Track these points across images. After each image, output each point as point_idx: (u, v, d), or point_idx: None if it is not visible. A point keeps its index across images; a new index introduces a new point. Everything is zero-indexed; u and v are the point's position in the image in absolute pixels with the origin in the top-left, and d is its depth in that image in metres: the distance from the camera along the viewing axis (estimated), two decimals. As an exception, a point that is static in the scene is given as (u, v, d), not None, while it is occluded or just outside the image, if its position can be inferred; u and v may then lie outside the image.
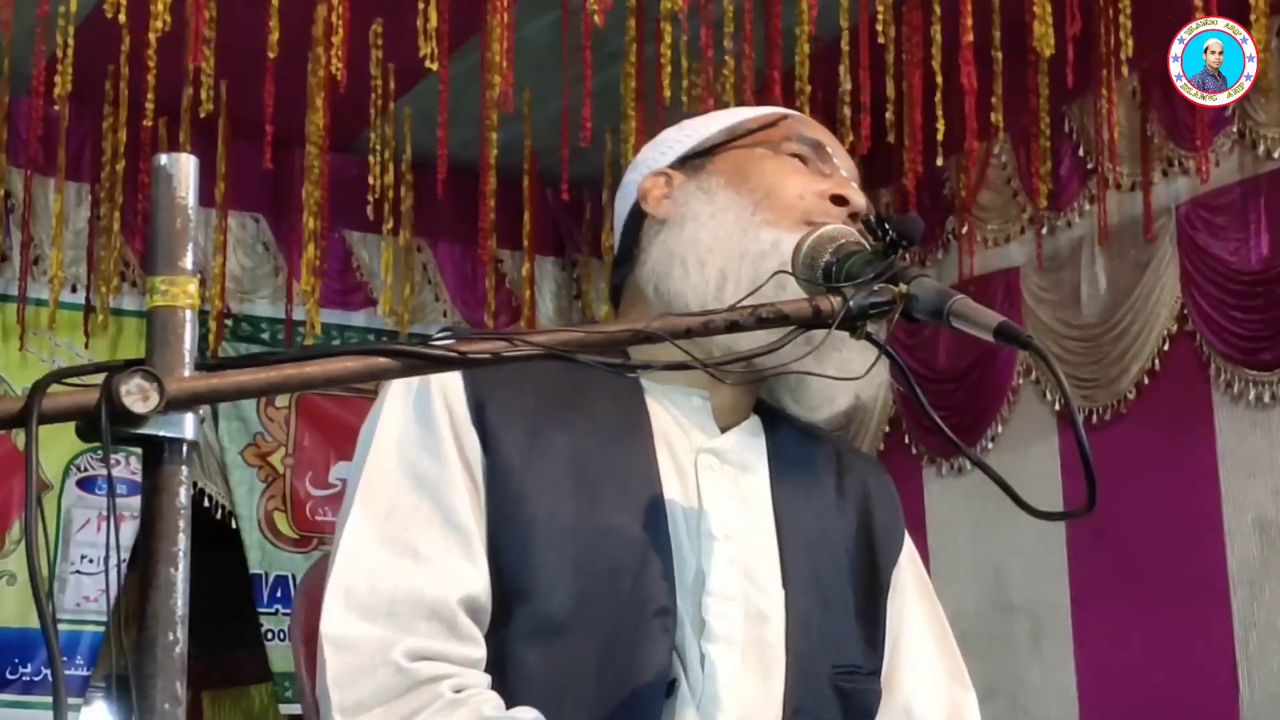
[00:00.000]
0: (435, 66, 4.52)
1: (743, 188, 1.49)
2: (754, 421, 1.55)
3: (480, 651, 1.38)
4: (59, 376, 0.93)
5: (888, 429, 6.16)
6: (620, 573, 1.39)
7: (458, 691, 1.34)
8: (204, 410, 0.96)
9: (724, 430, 1.52)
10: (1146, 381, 5.27)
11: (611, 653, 1.37)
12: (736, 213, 1.47)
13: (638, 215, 1.55)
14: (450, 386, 1.44)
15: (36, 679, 5.77)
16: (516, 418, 1.43)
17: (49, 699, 4.97)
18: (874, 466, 1.66)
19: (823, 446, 1.59)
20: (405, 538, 1.39)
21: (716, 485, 1.48)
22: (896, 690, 1.55)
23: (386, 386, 1.48)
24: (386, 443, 1.44)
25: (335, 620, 1.37)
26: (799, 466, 1.54)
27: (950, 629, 1.63)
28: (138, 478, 0.95)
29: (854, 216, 1.48)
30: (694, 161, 1.55)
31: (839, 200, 1.48)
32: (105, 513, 6.12)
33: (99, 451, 5.26)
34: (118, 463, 5.25)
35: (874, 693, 1.52)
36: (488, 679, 1.37)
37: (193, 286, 0.96)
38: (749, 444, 1.52)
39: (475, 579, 1.38)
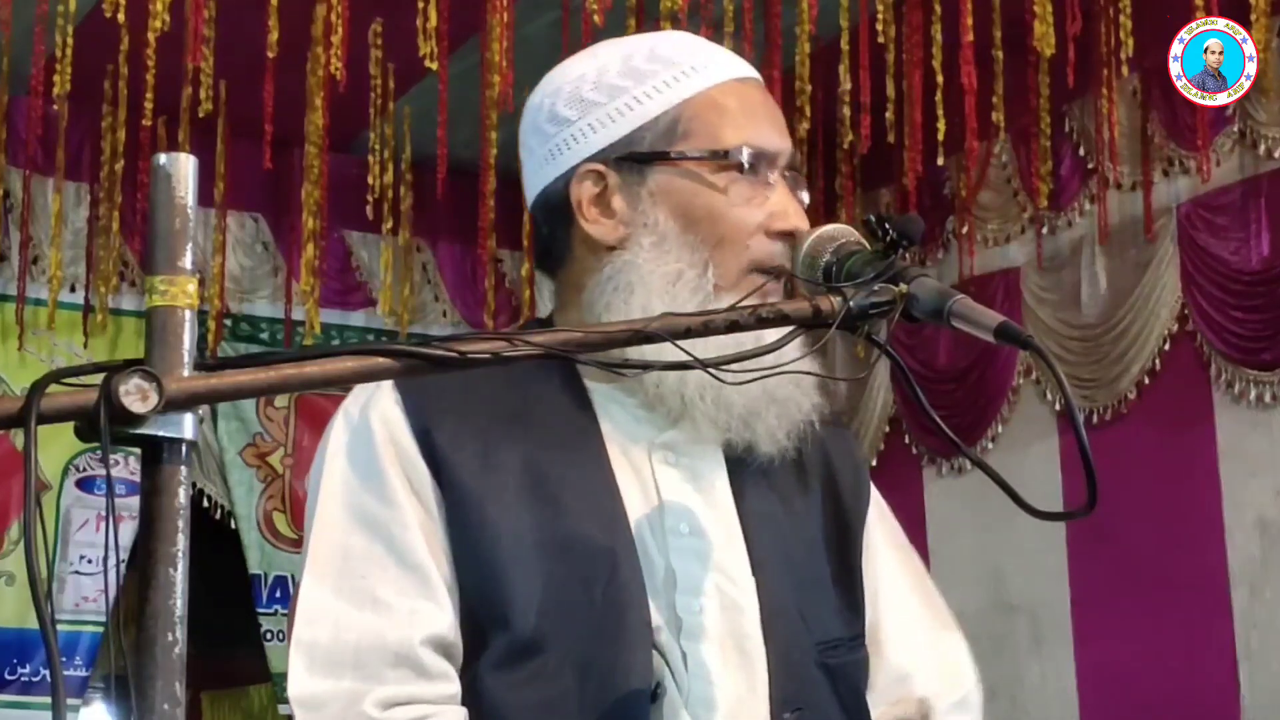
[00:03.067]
0: (435, 66, 4.52)
1: (693, 235, 1.42)
2: None
3: (454, 687, 1.37)
4: (58, 376, 0.93)
5: (888, 429, 6.16)
6: (591, 584, 1.38)
7: None
8: (203, 410, 0.96)
9: (676, 422, 1.48)
10: (1147, 381, 5.27)
11: (591, 666, 1.36)
12: (690, 277, 1.42)
13: (567, 213, 1.47)
14: (392, 419, 1.41)
15: (35, 679, 5.77)
16: (465, 441, 1.40)
17: (48, 699, 4.97)
18: (832, 427, 1.60)
19: None
20: (362, 585, 1.37)
21: (674, 480, 1.45)
22: (883, 649, 1.54)
23: (326, 434, 1.45)
24: (331, 491, 1.41)
25: (300, 682, 1.36)
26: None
27: (926, 573, 1.61)
28: (137, 478, 0.95)
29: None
30: (629, 163, 1.45)
31: (783, 235, 1.43)
32: (104, 513, 6.12)
33: (98, 451, 5.25)
34: (117, 463, 5.21)
35: (860, 662, 1.51)
36: (464, 712, 1.36)
37: (192, 286, 0.96)
38: (701, 431, 1.49)
39: (438, 617, 1.36)
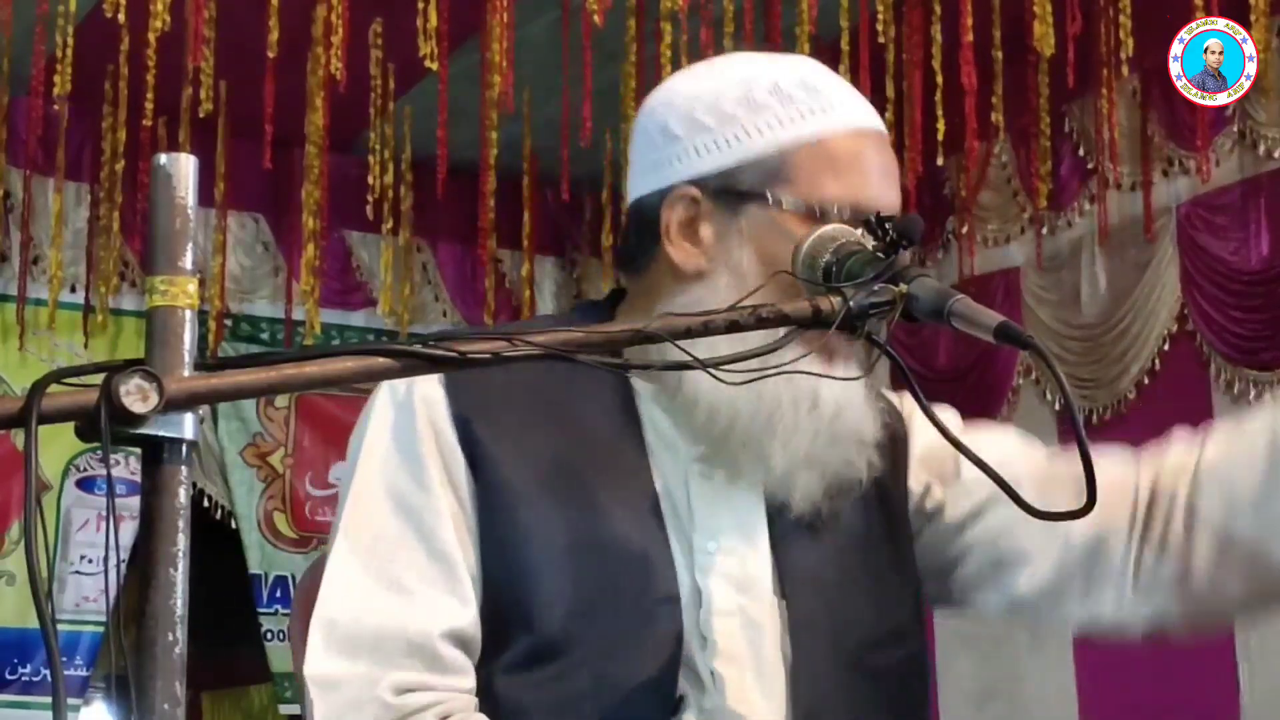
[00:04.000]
0: (435, 66, 4.52)
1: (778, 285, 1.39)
2: None
3: (469, 681, 1.36)
4: (58, 376, 0.93)
5: (888, 429, 6.15)
6: (621, 590, 1.37)
7: (446, 718, 1.33)
8: (203, 410, 0.96)
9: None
10: (1146, 381, 5.27)
11: (612, 675, 1.35)
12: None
13: (655, 228, 1.45)
14: (434, 404, 1.40)
15: (36, 679, 5.77)
16: (504, 433, 1.40)
17: (48, 699, 4.96)
18: None
19: None
20: (389, 570, 1.37)
21: (708, 494, 1.44)
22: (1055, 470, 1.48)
23: (370, 405, 1.45)
24: (370, 468, 1.42)
25: (318, 660, 1.36)
26: None
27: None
28: (137, 478, 0.95)
29: None
30: (727, 198, 1.42)
31: None
32: (105, 513, 6.12)
33: (98, 451, 5.25)
34: (117, 463, 5.21)
35: (909, 656, 1.48)
36: (475, 702, 1.36)
37: (192, 286, 0.96)
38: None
39: (459, 612, 1.36)
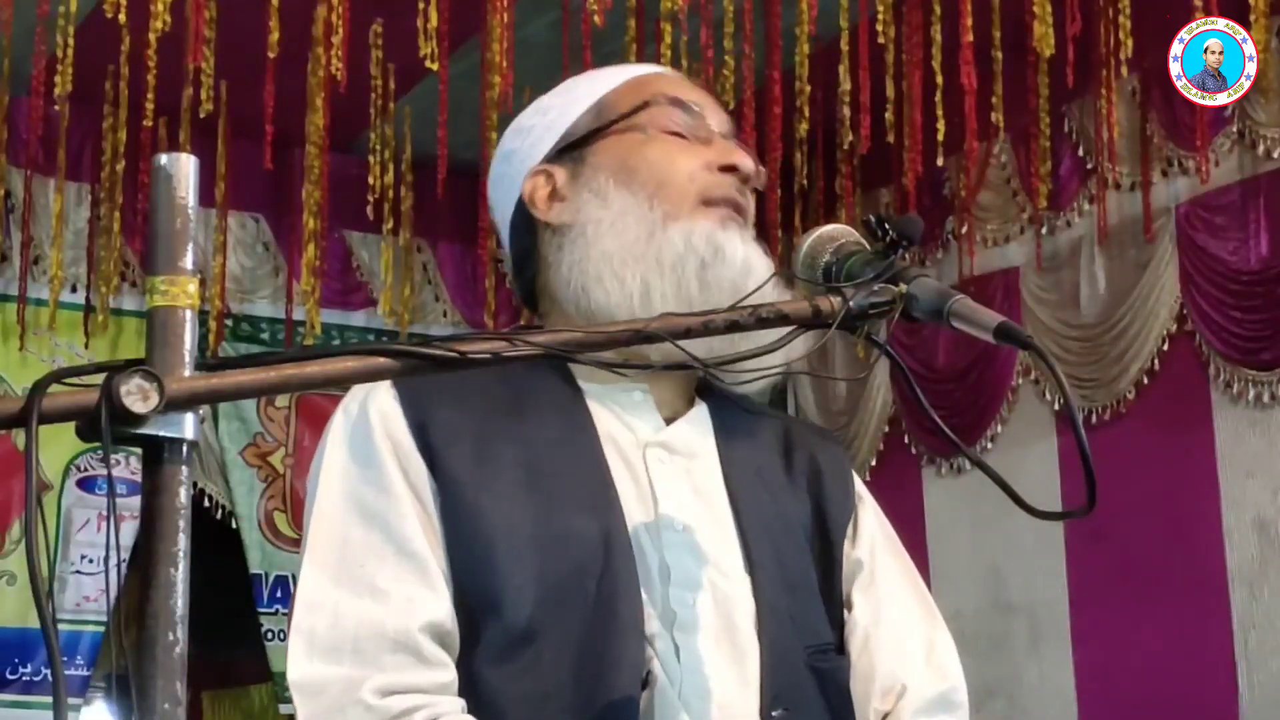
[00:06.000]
0: (435, 66, 4.52)
1: (633, 183, 1.48)
2: (699, 408, 1.54)
3: (450, 675, 1.37)
4: (59, 376, 0.93)
5: (888, 429, 6.16)
6: (585, 576, 1.38)
7: None
8: (204, 410, 0.96)
9: (669, 421, 1.51)
10: (1146, 381, 5.27)
11: (584, 657, 1.37)
12: (636, 214, 1.47)
13: (527, 218, 1.54)
14: (389, 413, 1.43)
15: (36, 679, 5.77)
16: (461, 436, 1.42)
17: (49, 699, 4.97)
18: (821, 438, 1.64)
19: (769, 423, 1.59)
20: (361, 574, 1.38)
21: (668, 477, 1.47)
22: (881, 650, 1.51)
23: (326, 430, 1.47)
24: (330, 483, 1.43)
25: (300, 666, 1.37)
26: (748, 448, 1.54)
27: (920, 577, 1.61)
28: (138, 478, 0.95)
29: (745, 180, 1.50)
30: (569, 154, 1.53)
31: (728, 169, 1.49)
32: (105, 513, 6.12)
33: (99, 451, 5.26)
34: (118, 463, 5.21)
35: (845, 667, 1.51)
36: (462, 703, 1.37)
37: (193, 286, 0.96)
38: (696, 432, 1.52)
39: (436, 605, 1.37)
